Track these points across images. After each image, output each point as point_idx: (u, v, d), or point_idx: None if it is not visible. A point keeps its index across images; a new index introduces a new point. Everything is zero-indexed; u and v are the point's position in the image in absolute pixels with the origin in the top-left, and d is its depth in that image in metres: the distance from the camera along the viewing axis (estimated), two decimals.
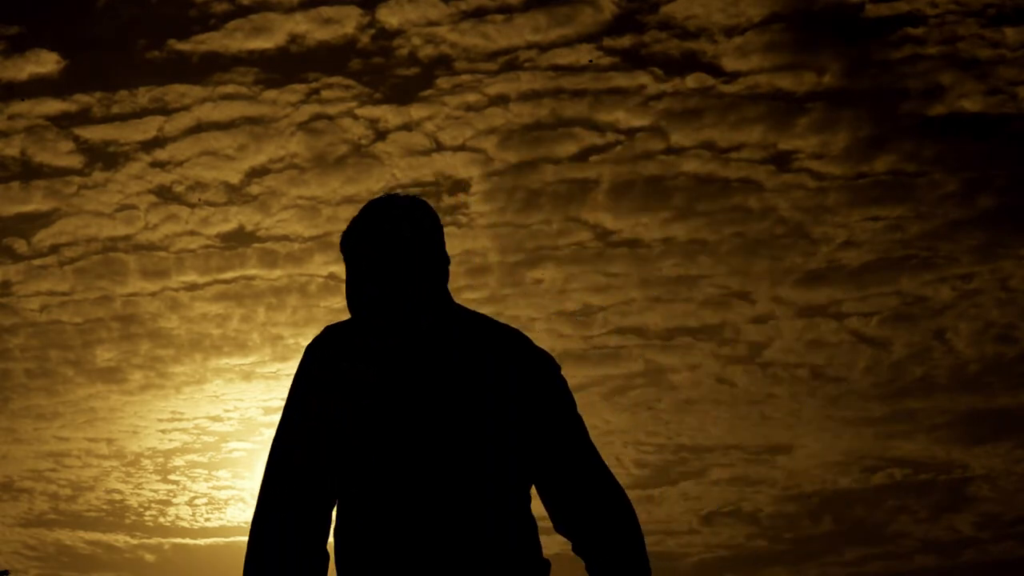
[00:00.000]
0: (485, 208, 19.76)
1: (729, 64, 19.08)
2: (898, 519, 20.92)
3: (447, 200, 19.89)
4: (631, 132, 19.43)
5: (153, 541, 21.13)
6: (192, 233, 20.01)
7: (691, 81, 19.15)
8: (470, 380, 4.01)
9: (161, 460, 21.15)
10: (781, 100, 19.12)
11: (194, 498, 21.29)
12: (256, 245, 20.04)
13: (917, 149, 19.12)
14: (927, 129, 19.01)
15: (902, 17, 18.63)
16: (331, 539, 4.12)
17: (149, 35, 19.47)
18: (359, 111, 19.57)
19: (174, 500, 21.13)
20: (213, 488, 21.25)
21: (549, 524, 4.92)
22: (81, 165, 19.80)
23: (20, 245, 20.04)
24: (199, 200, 19.94)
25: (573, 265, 19.94)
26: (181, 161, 19.80)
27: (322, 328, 4.19)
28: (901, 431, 20.67)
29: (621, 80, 19.22)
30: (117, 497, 20.82)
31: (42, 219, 19.97)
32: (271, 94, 19.53)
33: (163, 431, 20.99)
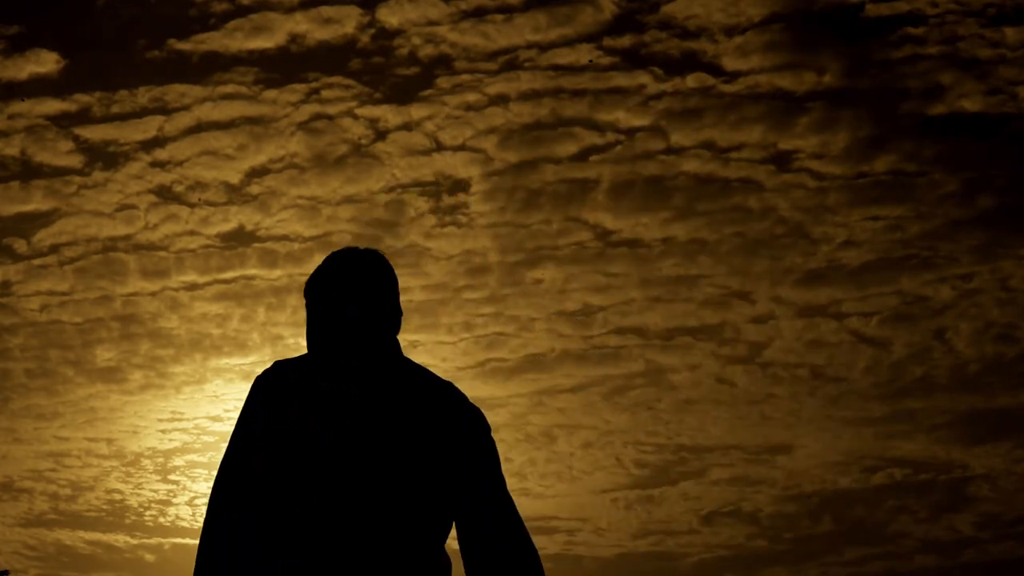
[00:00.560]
0: (485, 208, 19.77)
1: (729, 64, 19.08)
2: (898, 519, 20.93)
3: (447, 200, 19.91)
4: (631, 132, 19.44)
5: (153, 541, 21.13)
6: (192, 233, 20.02)
7: (691, 81, 19.16)
8: (406, 427, 4.26)
9: (161, 460, 21.15)
10: (781, 100, 19.13)
11: (194, 498, 21.30)
12: (256, 245, 20.05)
13: (917, 149, 19.12)
14: (927, 129, 19.01)
15: (902, 17, 18.64)
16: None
17: (149, 35, 19.48)
18: (359, 111, 19.58)
19: (174, 500, 21.14)
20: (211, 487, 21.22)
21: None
22: (81, 165, 19.81)
23: (20, 245, 20.05)
24: (199, 200, 19.94)
25: (573, 265, 19.95)
26: (181, 161, 19.81)
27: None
28: (901, 431, 20.68)
29: (621, 80, 19.23)
30: (117, 497, 20.83)
31: (42, 219, 19.98)
32: (271, 94, 19.54)
33: (163, 431, 21.00)
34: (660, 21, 19.05)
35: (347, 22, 19.23)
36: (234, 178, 19.89)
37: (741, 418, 20.79)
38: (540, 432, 21.09)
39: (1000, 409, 20.35)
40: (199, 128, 19.66)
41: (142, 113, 19.61)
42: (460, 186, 19.82)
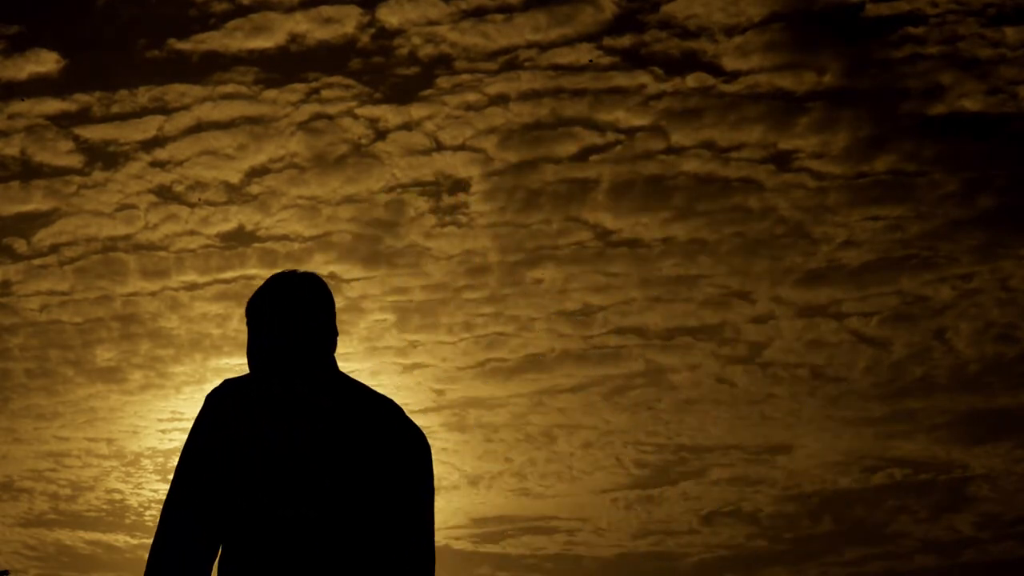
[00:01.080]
0: (485, 208, 19.77)
1: (729, 64, 19.08)
2: (898, 519, 20.93)
3: (447, 200, 19.90)
4: (631, 132, 19.43)
5: None
6: (192, 233, 20.02)
7: (691, 81, 19.16)
8: (347, 440, 4.49)
9: (161, 460, 21.15)
10: (781, 100, 19.13)
11: None
12: (256, 245, 20.05)
13: (917, 149, 19.12)
14: (927, 129, 19.01)
15: (902, 16, 18.63)
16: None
17: (149, 35, 19.48)
18: (359, 111, 19.58)
19: None
20: None
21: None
22: (81, 165, 19.81)
23: (20, 245, 20.04)
24: (199, 200, 19.94)
25: (573, 265, 19.95)
26: (181, 161, 19.80)
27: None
28: (901, 431, 20.68)
29: (621, 80, 19.22)
30: (117, 497, 20.83)
31: (42, 219, 19.98)
32: (271, 94, 19.54)
33: (163, 431, 20.99)
34: (660, 21, 19.05)
35: (347, 22, 19.24)
36: (234, 178, 19.90)
37: (741, 418, 20.80)
38: (540, 432, 21.10)
39: (1000, 409, 20.36)
40: (199, 128, 19.67)
41: (142, 113, 19.62)
42: (460, 186, 19.84)
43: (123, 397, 20.59)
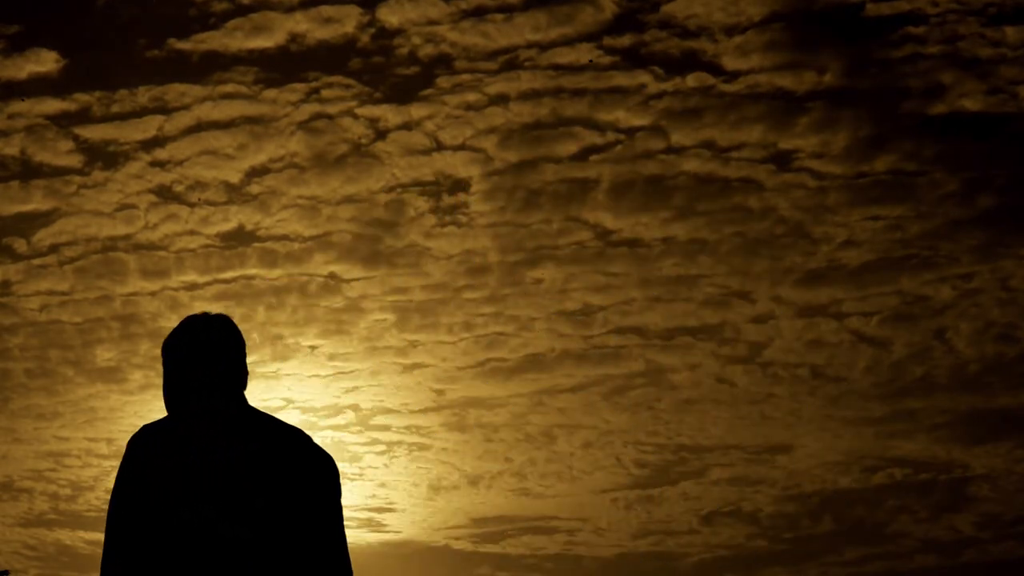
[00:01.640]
0: (485, 208, 19.76)
1: (729, 63, 19.07)
2: (898, 519, 20.92)
3: (447, 200, 19.90)
4: (631, 131, 19.43)
5: None
6: (192, 233, 20.02)
7: (691, 80, 19.15)
8: (257, 470, 4.84)
9: None
10: (781, 99, 19.12)
11: None
12: (256, 245, 20.04)
13: (917, 148, 19.12)
14: (927, 128, 19.01)
15: (903, 16, 18.63)
16: None
17: (149, 34, 19.47)
18: (359, 110, 19.58)
19: None
20: None
21: None
22: (81, 164, 19.80)
23: (20, 245, 20.04)
24: (199, 200, 19.93)
25: (573, 265, 19.94)
26: (181, 160, 19.80)
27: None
28: (901, 431, 20.68)
29: (621, 79, 19.22)
30: None
31: (42, 219, 19.97)
32: (271, 93, 19.53)
33: None
34: (660, 20, 19.05)
35: (347, 21, 19.23)
36: (234, 178, 19.90)
37: (741, 418, 20.80)
38: (540, 432, 21.10)
39: (1000, 409, 20.35)
40: (199, 128, 19.67)
41: (142, 113, 19.62)
42: (460, 186, 19.83)
43: (123, 397, 20.59)
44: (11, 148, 19.64)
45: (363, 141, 19.67)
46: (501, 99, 19.38)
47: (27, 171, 19.77)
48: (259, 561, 4.78)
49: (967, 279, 19.62)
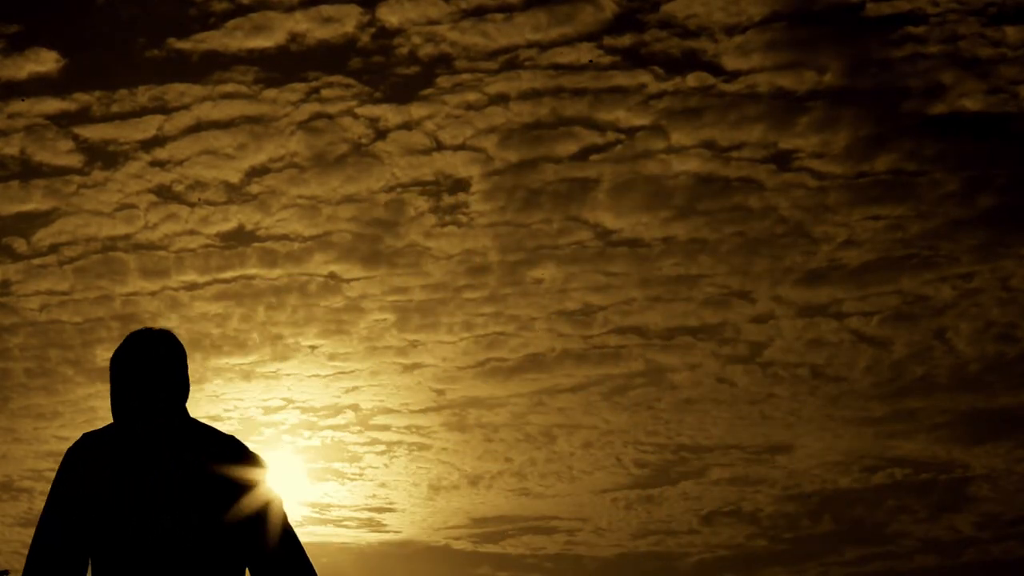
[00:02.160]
0: (485, 207, 19.75)
1: (730, 63, 19.07)
2: (898, 519, 20.92)
3: (447, 199, 19.89)
4: (631, 131, 19.42)
5: None
6: (192, 232, 20.01)
7: (691, 80, 19.15)
8: (198, 479, 5.13)
9: None
10: (782, 99, 19.12)
11: None
12: (256, 244, 20.04)
13: (918, 148, 19.11)
14: (928, 128, 19.00)
15: (903, 16, 18.62)
16: None
17: (149, 34, 19.47)
18: (359, 110, 19.57)
19: None
20: None
21: None
22: (81, 164, 19.80)
23: (20, 244, 20.03)
24: (199, 199, 19.93)
25: (573, 264, 19.94)
26: (181, 160, 19.79)
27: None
28: (901, 431, 20.67)
29: (621, 79, 19.21)
30: None
31: (42, 218, 19.96)
32: (271, 93, 19.52)
33: None
34: (660, 20, 19.04)
35: (347, 21, 19.23)
36: (234, 177, 19.89)
37: (741, 418, 20.79)
38: (540, 432, 21.09)
39: (1000, 409, 20.35)
40: (199, 127, 19.66)
41: (142, 112, 19.61)
42: (460, 185, 19.82)
43: None
44: (11, 148, 19.64)
45: (363, 141, 19.67)
46: (501, 99, 19.39)
47: (27, 171, 19.78)
48: (203, 571, 5.05)
49: (967, 279, 19.63)
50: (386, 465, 21.13)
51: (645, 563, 21.39)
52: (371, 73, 19.49)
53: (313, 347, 20.35)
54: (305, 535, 22.08)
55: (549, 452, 21.13)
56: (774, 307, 20.06)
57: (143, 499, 5.03)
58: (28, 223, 19.98)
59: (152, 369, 5.19)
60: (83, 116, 19.61)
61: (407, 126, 19.60)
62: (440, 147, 19.66)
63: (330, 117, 19.57)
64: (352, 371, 20.55)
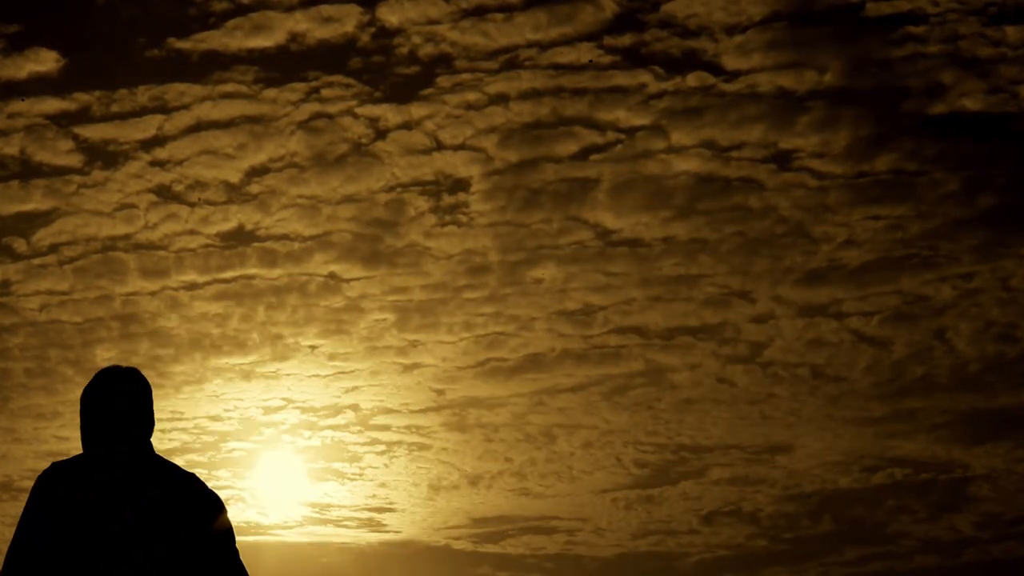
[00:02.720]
0: (485, 207, 19.75)
1: (730, 63, 19.06)
2: (898, 519, 20.91)
3: (447, 199, 19.89)
4: (631, 131, 19.42)
5: None
6: (192, 232, 20.01)
7: (692, 80, 19.14)
8: (145, 513, 5.42)
9: None
10: (782, 99, 19.11)
11: None
12: (256, 244, 20.03)
13: (918, 148, 19.10)
14: (928, 128, 18.99)
15: (903, 16, 18.62)
16: None
17: (149, 34, 19.46)
18: (359, 110, 19.56)
19: None
20: (213, 487, 21.21)
21: None
22: (81, 164, 19.79)
23: (20, 244, 20.03)
24: (199, 199, 19.92)
25: (573, 264, 19.93)
26: (181, 160, 19.78)
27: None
28: (901, 431, 20.67)
29: (622, 79, 19.20)
30: None
31: (41, 218, 19.96)
32: (271, 93, 19.52)
33: (163, 430, 20.96)
34: (661, 20, 19.03)
35: (347, 21, 19.22)
36: (234, 177, 19.89)
37: (741, 418, 20.79)
38: (540, 432, 21.09)
39: (1001, 409, 20.34)
40: (199, 127, 19.65)
41: (142, 112, 19.61)
42: (460, 185, 19.82)
43: None
44: (11, 148, 19.63)
45: (363, 141, 19.67)
46: (501, 99, 19.38)
47: (27, 171, 19.77)
48: None
49: (967, 279, 19.62)
50: (386, 465, 21.13)
51: (645, 563, 21.39)
52: (371, 73, 19.49)
53: (313, 347, 20.35)
54: (305, 535, 22.09)
55: (549, 452, 21.14)
56: (774, 307, 20.06)
57: (112, 530, 5.33)
58: (28, 223, 19.98)
59: (121, 405, 5.52)
60: (83, 116, 19.62)
61: (407, 126, 19.60)
62: (440, 147, 19.66)
63: (330, 117, 19.58)
64: (352, 371, 20.55)
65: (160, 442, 22.68)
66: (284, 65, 19.51)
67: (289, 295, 20.12)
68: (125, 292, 20.13)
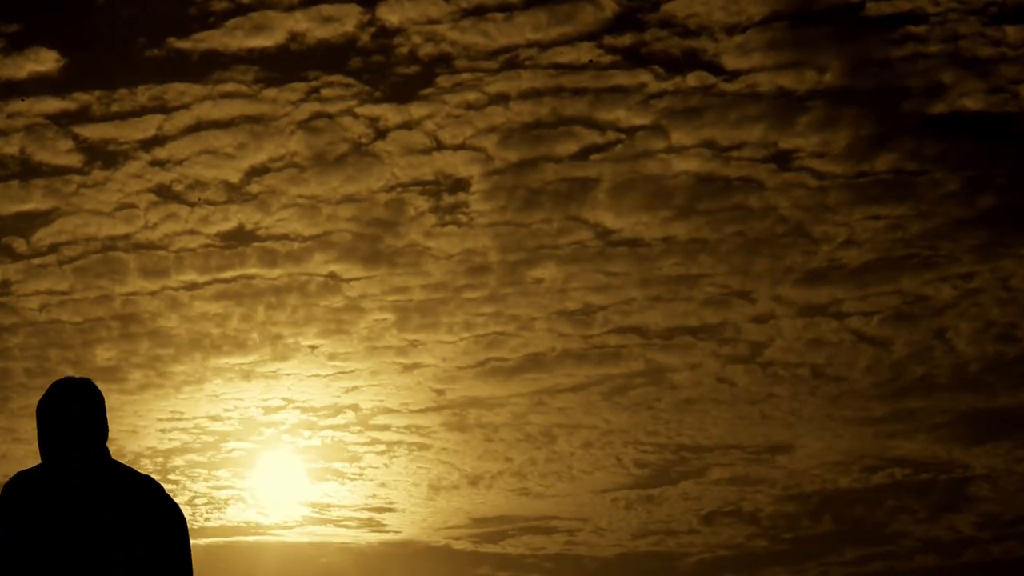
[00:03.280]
0: (485, 207, 19.74)
1: (730, 62, 19.06)
2: (898, 519, 20.91)
3: (447, 199, 19.88)
4: (632, 131, 19.41)
5: None
6: (192, 232, 20.00)
7: (692, 79, 19.14)
8: (118, 515, 5.71)
9: (161, 460, 21.13)
10: (782, 98, 19.11)
11: (194, 498, 21.27)
12: (256, 244, 20.03)
13: (918, 148, 19.10)
14: (928, 128, 19.00)
15: (903, 15, 18.62)
16: None
17: (149, 33, 19.46)
18: (359, 109, 19.56)
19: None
20: (213, 488, 21.23)
21: None
22: (81, 164, 19.79)
23: (19, 244, 20.03)
24: (199, 199, 19.92)
25: (573, 264, 19.93)
26: (181, 160, 19.78)
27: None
28: (901, 431, 20.67)
29: (622, 78, 19.20)
30: None
31: (41, 218, 19.96)
32: (271, 92, 19.51)
33: (163, 431, 20.97)
34: (661, 20, 19.03)
35: (347, 20, 19.22)
36: (234, 177, 19.88)
37: (741, 418, 20.79)
38: (540, 432, 21.09)
39: (1001, 409, 20.34)
40: (199, 127, 19.65)
41: (142, 112, 19.60)
42: (460, 185, 19.82)
43: (123, 397, 20.58)
44: (11, 147, 19.63)
45: (363, 140, 19.66)
46: (501, 98, 19.38)
47: (27, 170, 19.77)
48: None
49: (968, 279, 19.62)
50: (386, 465, 21.14)
51: (645, 563, 21.39)
52: (371, 73, 19.49)
53: (313, 347, 20.35)
54: (305, 535, 22.10)
55: (549, 452, 21.14)
56: (774, 307, 20.06)
57: (92, 531, 5.63)
58: (28, 223, 19.98)
59: (76, 414, 5.80)
60: (83, 116, 19.61)
61: (407, 126, 19.60)
62: (440, 147, 19.66)
63: (330, 117, 19.58)
64: (352, 371, 20.55)
65: (160, 442, 22.63)
66: (284, 65, 19.52)
67: (289, 295, 20.13)
68: (125, 292, 20.13)
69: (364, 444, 20.99)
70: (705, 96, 19.14)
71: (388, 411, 20.83)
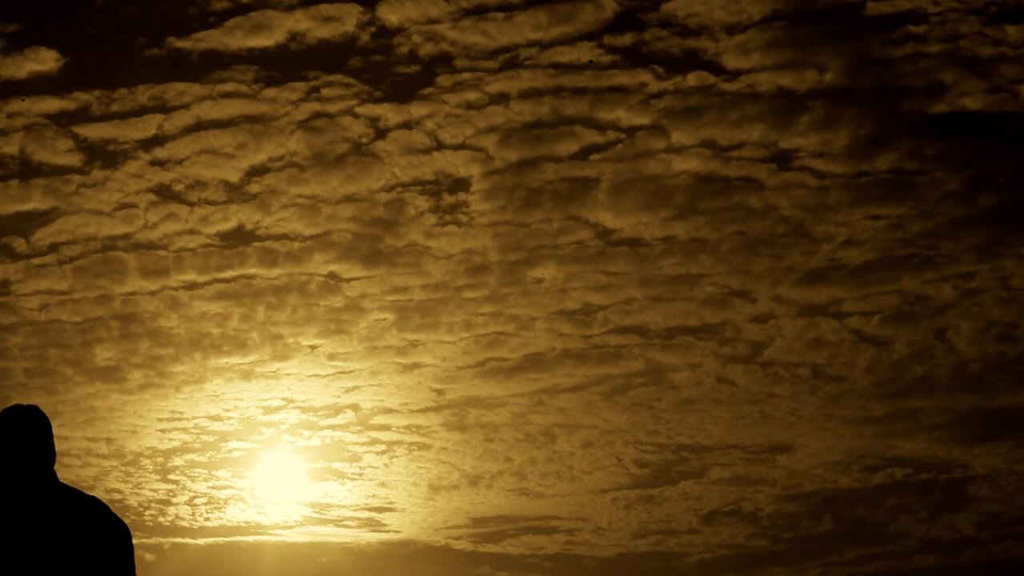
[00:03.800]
0: (485, 207, 19.74)
1: (730, 62, 19.05)
2: (898, 519, 20.90)
3: (447, 199, 19.88)
4: (632, 130, 19.41)
5: (153, 540, 21.11)
6: (192, 232, 20.00)
7: (692, 79, 19.13)
8: (64, 535, 6.00)
9: (161, 459, 21.13)
10: (782, 98, 19.10)
11: (193, 498, 21.27)
12: (256, 244, 20.02)
13: (918, 147, 19.10)
14: (928, 127, 18.99)
15: (903, 15, 18.61)
16: None
17: (148, 33, 19.46)
18: (359, 109, 19.55)
19: (174, 500, 21.11)
20: (213, 487, 21.23)
21: None
22: (80, 163, 19.78)
23: (19, 244, 20.02)
24: (199, 199, 19.92)
25: (573, 264, 19.92)
26: (181, 159, 19.78)
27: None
28: (902, 430, 20.66)
29: (622, 78, 19.20)
30: (117, 496, 20.83)
31: (41, 218, 19.95)
32: (271, 92, 19.51)
33: (163, 430, 20.97)
34: (661, 19, 19.03)
35: (347, 20, 19.21)
36: (234, 177, 19.88)
37: (741, 418, 20.78)
38: (540, 432, 21.08)
39: (1001, 409, 20.34)
40: (199, 127, 19.65)
41: (141, 112, 19.60)
42: (460, 185, 19.81)
43: (123, 397, 20.58)
44: (11, 147, 19.63)
45: (363, 140, 19.66)
46: (501, 98, 19.38)
47: (27, 170, 19.77)
48: None
49: (968, 278, 19.61)
50: (386, 465, 21.13)
51: (645, 563, 21.39)
52: (371, 72, 19.48)
53: (313, 347, 20.35)
54: (305, 535, 22.10)
55: (549, 452, 21.13)
56: (774, 307, 20.06)
57: (24, 555, 5.93)
58: (28, 222, 19.98)
59: (23, 441, 6.12)
60: (83, 115, 19.61)
61: (407, 125, 19.60)
62: (440, 146, 19.66)
63: (330, 116, 19.57)
64: (352, 371, 20.55)
65: (160, 442, 22.63)
66: (284, 64, 19.52)
67: (289, 295, 20.12)
68: (125, 292, 20.13)
69: (364, 444, 20.99)
70: (705, 96, 19.14)
71: (388, 411, 20.83)
